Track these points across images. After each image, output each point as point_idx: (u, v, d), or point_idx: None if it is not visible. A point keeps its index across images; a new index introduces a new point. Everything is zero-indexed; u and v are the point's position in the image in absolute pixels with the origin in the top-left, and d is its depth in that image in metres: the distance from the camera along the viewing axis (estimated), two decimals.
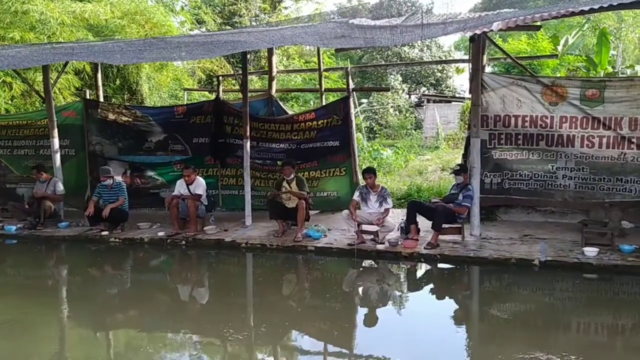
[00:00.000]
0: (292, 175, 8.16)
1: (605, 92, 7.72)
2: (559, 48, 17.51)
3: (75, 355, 4.78)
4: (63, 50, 8.77)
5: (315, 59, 16.91)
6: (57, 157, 9.86)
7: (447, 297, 6.25)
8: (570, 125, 7.94)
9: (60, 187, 9.52)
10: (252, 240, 7.91)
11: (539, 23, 8.17)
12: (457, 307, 5.89)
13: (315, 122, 9.62)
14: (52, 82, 9.93)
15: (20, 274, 7.71)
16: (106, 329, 5.26)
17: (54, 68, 11.56)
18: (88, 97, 11.03)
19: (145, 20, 15.14)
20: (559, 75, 14.98)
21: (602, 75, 13.87)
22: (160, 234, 8.40)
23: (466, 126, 16.35)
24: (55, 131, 9.81)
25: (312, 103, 18.37)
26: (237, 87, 15.62)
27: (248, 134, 8.90)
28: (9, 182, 11.12)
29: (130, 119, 10.38)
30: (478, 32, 6.62)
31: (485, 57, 8.47)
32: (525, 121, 8.10)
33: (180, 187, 8.59)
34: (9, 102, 13.43)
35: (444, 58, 29.10)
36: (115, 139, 10.51)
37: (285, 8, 27.36)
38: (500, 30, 6.76)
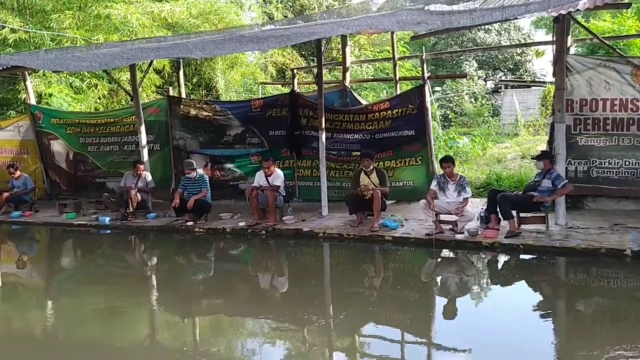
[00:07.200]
0: (372, 167, 8.15)
1: None
2: None
3: (164, 337, 5.06)
4: (150, 46, 9.13)
5: (388, 48, 16.79)
6: (145, 151, 10.38)
7: (530, 289, 6.01)
8: None
9: (152, 181, 10.10)
10: (330, 230, 8.01)
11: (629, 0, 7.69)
12: (541, 299, 5.68)
13: (389, 112, 9.57)
14: (138, 80, 10.46)
15: (114, 263, 8.22)
16: (192, 315, 5.51)
17: (138, 68, 12.20)
18: (171, 94, 11.55)
19: (219, 19, 15.63)
20: None
21: None
22: (241, 224, 8.70)
23: (548, 112, 15.66)
24: (143, 127, 10.32)
25: (384, 93, 18.22)
26: (309, 79, 15.81)
27: (323, 125, 8.99)
28: (97, 176, 11.92)
29: (210, 114, 10.79)
30: (563, 12, 6.32)
31: (569, 38, 8.08)
32: (614, 105, 7.68)
33: (259, 179, 8.86)
34: (97, 100, 14.38)
35: (523, 41, 27.89)
36: (197, 133, 10.95)
37: None
38: (587, 9, 6.42)
